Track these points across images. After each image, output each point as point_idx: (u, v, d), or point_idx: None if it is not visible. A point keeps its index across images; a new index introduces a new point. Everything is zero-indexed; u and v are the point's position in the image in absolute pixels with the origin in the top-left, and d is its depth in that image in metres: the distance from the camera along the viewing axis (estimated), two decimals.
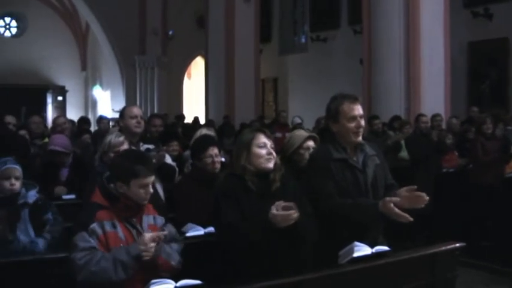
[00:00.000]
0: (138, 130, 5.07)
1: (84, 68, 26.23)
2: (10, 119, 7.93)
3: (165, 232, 3.13)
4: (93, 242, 2.97)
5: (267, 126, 10.70)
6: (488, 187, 7.49)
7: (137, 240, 3.02)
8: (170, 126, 12.62)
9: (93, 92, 25.52)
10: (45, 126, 11.32)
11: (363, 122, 3.62)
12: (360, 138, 3.63)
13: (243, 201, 3.26)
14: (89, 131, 10.38)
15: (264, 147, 3.38)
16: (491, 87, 13.45)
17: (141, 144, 5.12)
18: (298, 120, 12.26)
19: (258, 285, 2.81)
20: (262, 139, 3.41)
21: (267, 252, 3.17)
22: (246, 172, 3.33)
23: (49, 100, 25.11)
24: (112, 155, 4.37)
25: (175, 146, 6.80)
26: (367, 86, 10.80)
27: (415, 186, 3.38)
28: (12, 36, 25.42)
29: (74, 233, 3.03)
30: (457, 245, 3.50)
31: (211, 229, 3.88)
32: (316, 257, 3.39)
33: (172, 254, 3.16)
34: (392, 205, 3.27)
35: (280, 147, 4.48)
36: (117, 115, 6.02)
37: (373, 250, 3.20)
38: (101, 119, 11.82)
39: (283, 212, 3.08)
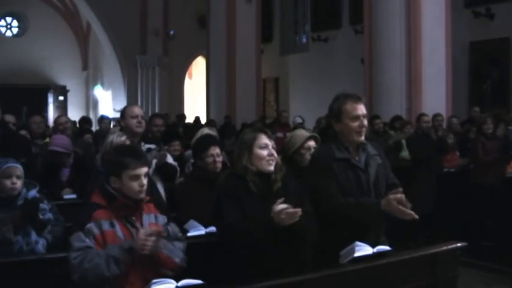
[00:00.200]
0: (139, 130, 5.06)
1: (85, 67, 26.26)
2: (9, 118, 7.91)
3: (161, 228, 3.12)
4: (88, 242, 2.98)
5: (268, 126, 10.72)
6: (488, 187, 7.48)
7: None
8: (172, 126, 12.62)
9: (94, 92, 25.54)
10: (47, 126, 11.32)
11: (365, 122, 3.63)
12: (363, 138, 3.63)
13: (244, 201, 3.26)
14: (90, 131, 10.36)
15: (265, 148, 3.38)
16: (493, 87, 13.43)
17: (143, 144, 5.12)
18: (299, 120, 12.27)
19: (259, 285, 2.82)
20: (264, 140, 3.41)
21: (267, 252, 3.17)
22: (248, 172, 3.33)
23: (50, 100, 25.15)
24: None
25: (177, 145, 6.81)
26: (368, 86, 10.79)
27: (401, 189, 3.39)
28: (14, 36, 25.45)
29: (71, 233, 3.05)
30: (458, 244, 3.50)
31: (212, 229, 3.88)
32: (317, 256, 3.39)
33: (176, 251, 3.16)
34: (396, 202, 3.28)
35: (281, 147, 4.48)
36: (118, 115, 6.02)
37: (374, 250, 3.20)
38: (102, 119, 11.81)
39: (287, 210, 3.08)
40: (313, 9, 18.49)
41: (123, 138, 4.63)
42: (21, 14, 25.14)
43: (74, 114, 21.30)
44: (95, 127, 14.11)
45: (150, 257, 3.01)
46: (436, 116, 9.15)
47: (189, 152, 6.52)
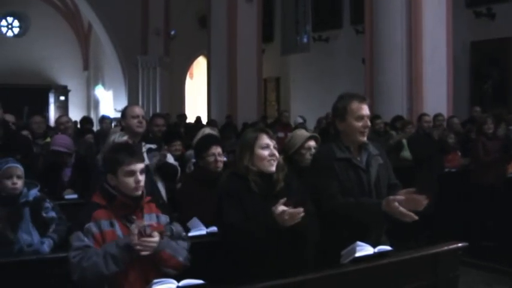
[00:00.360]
0: (140, 130, 5.06)
1: (86, 67, 26.29)
2: (8, 117, 7.89)
3: (162, 228, 3.11)
4: (87, 241, 2.98)
5: (269, 126, 10.71)
6: (489, 187, 7.47)
7: None
8: (173, 126, 12.63)
9: (95, 92, 25.56)
10: (49, 126, 11.31)
11: (369, 122, 3.64)
12: (365, 138, 3.64)
13: (245, 201, 3.26)
14: (91, 131, 10.37)
15: (266, 148, 3.38)
16: (494, 87, 13.43)
17: (144, 143, 5.12)
18: (300, 120, 12.27)
19: (260, 285, 2.82)
20: (265, 140, 3.40)
21: (269, 252, 3.18)
22: (249, 172, 3.33)
23: (51, 100, 25.19)
24: None
25: (178, 145, 6.81)
26: (369, 86, 10.79)
27: (414, 189, 3.38)
28: (15, 36, 25.47)
29: (71, 233, 3.06)
30: (459, 244, 3.49)
31: (213, 229, 3.88)
32: (318, 256, 3.39)
33: (179, 250, 3.15)
34: (396, 204, 3.27)
35: (282, 147, 4.48)
36: (119, 115, 6.02)
37: (375, 250, 3.20)
38: (103, 119, 11.80)
39: (290, 211, 3.08)
40: (314, 9, 18.48)
41: (125, 138, 4.63)
42: (22, 14, 25.16)
43: (75, 114, 21.33)
44: (95, 127, 14.11)
45: (150, 257, 3.00)
46: (437, 116, 9.15)
47: (190, 152, 6.54)
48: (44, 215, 4.12)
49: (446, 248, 3.48)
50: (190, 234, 3.93)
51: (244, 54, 15.15)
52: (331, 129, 7.88)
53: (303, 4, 18.91)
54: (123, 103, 18.61)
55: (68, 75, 25.70)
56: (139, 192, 3.15)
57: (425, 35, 10.25)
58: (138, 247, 2.92)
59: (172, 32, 21.08)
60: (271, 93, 20.59)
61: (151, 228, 3.02)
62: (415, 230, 6.91)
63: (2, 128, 5.48)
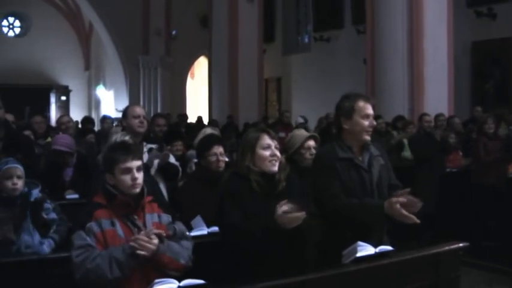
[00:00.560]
0: (141, 130, 5.06)
1: (87, 67, 26.29)
2: (8, 117, 7.87)
3: (158, 231, 3.09)
4: (89, 240, 2.97)
5: (270, 126, 10.71)
6: (490, 187, 7.47)
7: None
8: (174, 126, 12.63)
9: (96, 92, 25.56)
10: (50, 126, 11.31)
11: (375, 122, 3.65)
12: (369, 137, 3.64)
13: (247, 201, 3.26)
14: (92, 131, 10.38)
15: (268, 149, 3.38)
16: (495, 87, 13.43)
17: (145, 144, 5.12)
18: (301, 120, 12.26)
19: (261, 285, 2.81)
20: (267, 140, 3.40)
21: (270, 252, 3.18)
22: (251, 172, 3.33)
23: (52, 100, 25.20)
24: None
25: (179, 145, 6.82)
26: (371, 86, 10.78)
27: (408, 189, 3.38)
28: (16, 36, 25.47)
29: (72, 233, 3.06)
30: (461, 244, 3.49)
31: (215, 229, 3.88)
32: (319, 256, 3.39)
33: (182, 252, 3.13)
34: (398, 206, 3.27)
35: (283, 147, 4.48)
36: (120, 115, 6.02)
37: (377, 250, 3.20)
38: (105, 119, 11.80)
39: (291, 214, 3.08)
40: (315, 9, 18.49)
41: (127, 138, 4.63)
42: (23, 14, 25.16)
43: (76, 114, 21.33)
44: (97, 127, 14.11)
45: (152, 258, 3.00)
46: (438, 116, 9.15)
47: (191, 152, 6.54)
48: (45, 216, 4.11)
49: (447, 248, 3.48)
50: (191, 233, 3.93)
51: (246, 54, 15.15)
52: (332, 129, 7.88)
53: (304, 4, 18.92)
54: (124, 103, 18.59)
55: (69, 75, 25.69)
56: (137, 190, 3.14)
57: (426, 35, 10.25)
58: (133, 243, 2.92)
59: (174, 32, 21.08)
60: (272, 93, 20.60)
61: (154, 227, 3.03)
62: (416, 230, 6.90)
63: (4, 128, 5.48)
